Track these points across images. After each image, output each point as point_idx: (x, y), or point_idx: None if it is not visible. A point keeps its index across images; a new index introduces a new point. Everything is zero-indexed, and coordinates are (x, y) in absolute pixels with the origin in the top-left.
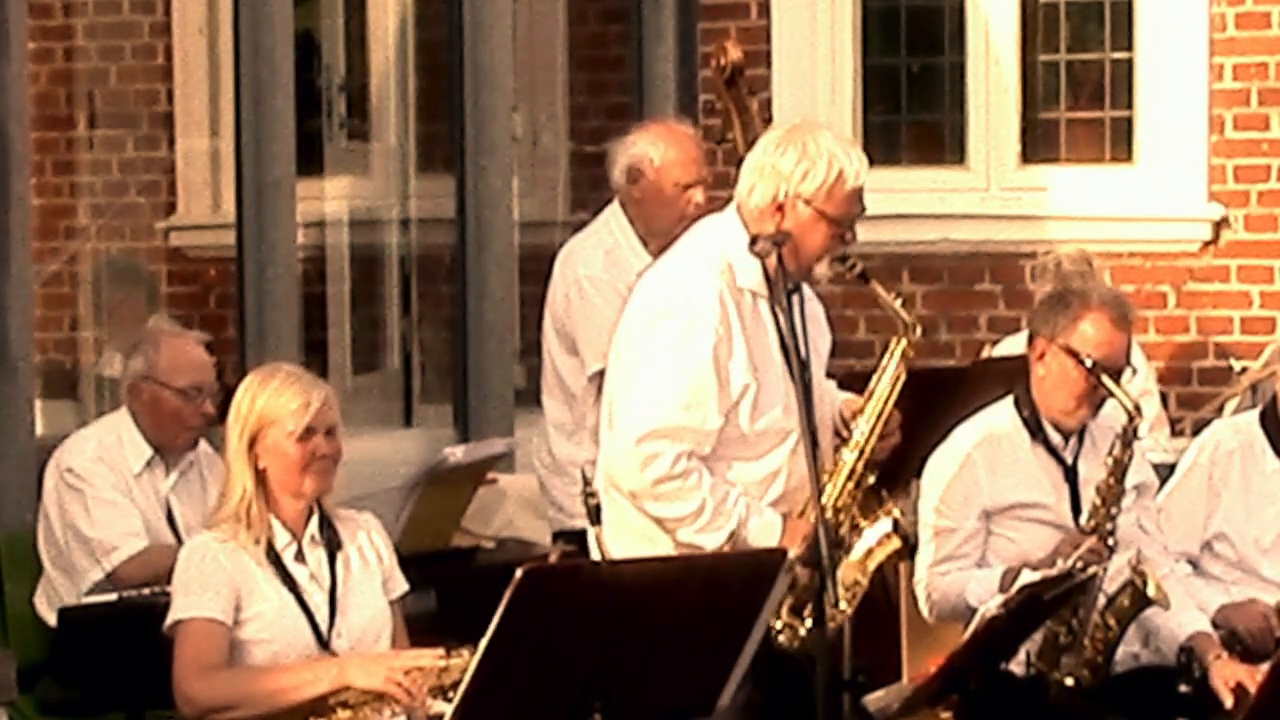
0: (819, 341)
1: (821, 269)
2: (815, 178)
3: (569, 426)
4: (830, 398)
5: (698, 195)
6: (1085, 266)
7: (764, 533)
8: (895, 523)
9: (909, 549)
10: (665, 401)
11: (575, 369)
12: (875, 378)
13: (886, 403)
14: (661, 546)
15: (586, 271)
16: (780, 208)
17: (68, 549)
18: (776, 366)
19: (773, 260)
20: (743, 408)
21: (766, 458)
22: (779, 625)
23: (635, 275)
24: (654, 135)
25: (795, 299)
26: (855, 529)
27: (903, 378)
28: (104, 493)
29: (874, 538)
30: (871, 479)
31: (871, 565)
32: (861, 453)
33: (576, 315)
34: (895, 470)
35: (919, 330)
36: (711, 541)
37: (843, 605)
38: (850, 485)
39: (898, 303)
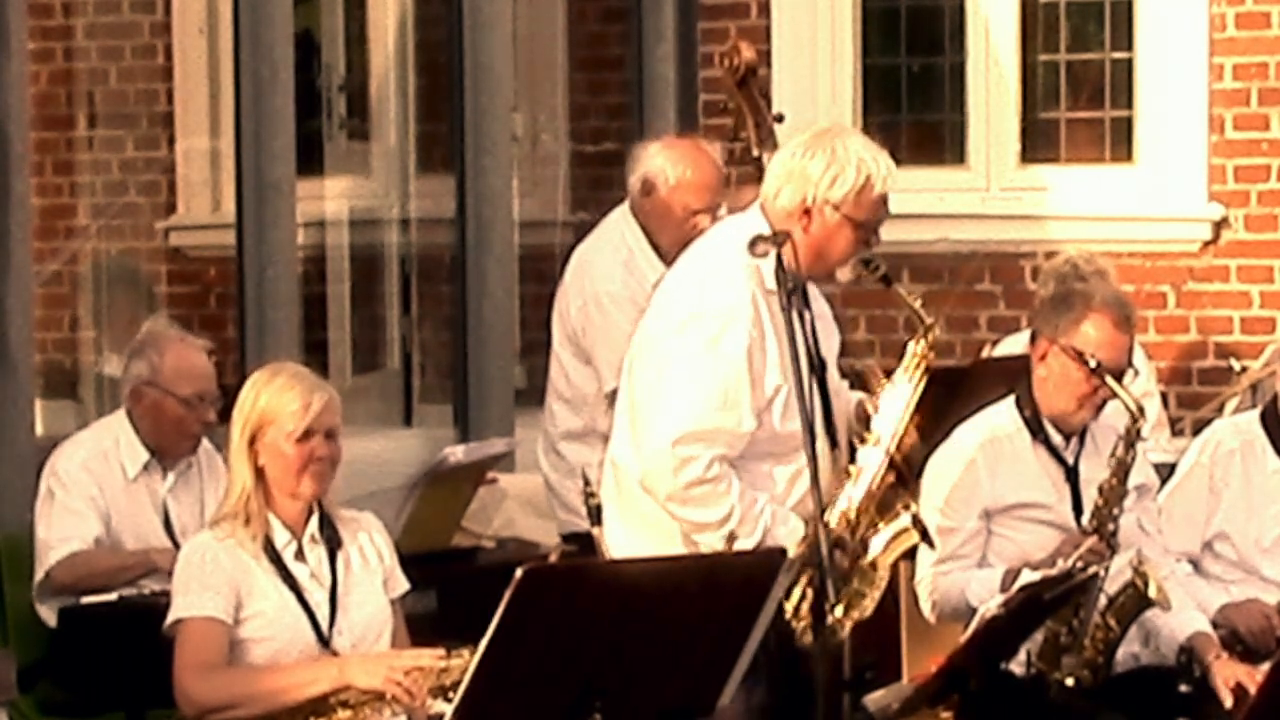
0: (830, 342)
1: (843, 271)
2: (844, 183)
3: (579, 430)
4: (845, 398)
5: (704, 222)
6: (1099, 267)
7: (788, 540)
8: (914, 518)
9: (929, 542)
10: (701, 404)
11: (588, 376)
12: (897, 376)
13: (909, 404)
14: (668, 536)
15: (607, 287)
16: (808, 212)
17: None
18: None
19: (772, 260)
20: (774, 408)
21: (792, 457)
22: (799, 625)
23: (651, 285)
24: (676, 153)
25: (807, 307)
26: (874, 527)
27: (924, 379)
28: (73, 501)
29: (891, 532)
30: (891, 478)
31: (889, 559)
32: (885, 453)
33: (596, 331)
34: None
35: (936, 331)
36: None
37: (866, 605)
38: (871, 485)
39: (918, 304)
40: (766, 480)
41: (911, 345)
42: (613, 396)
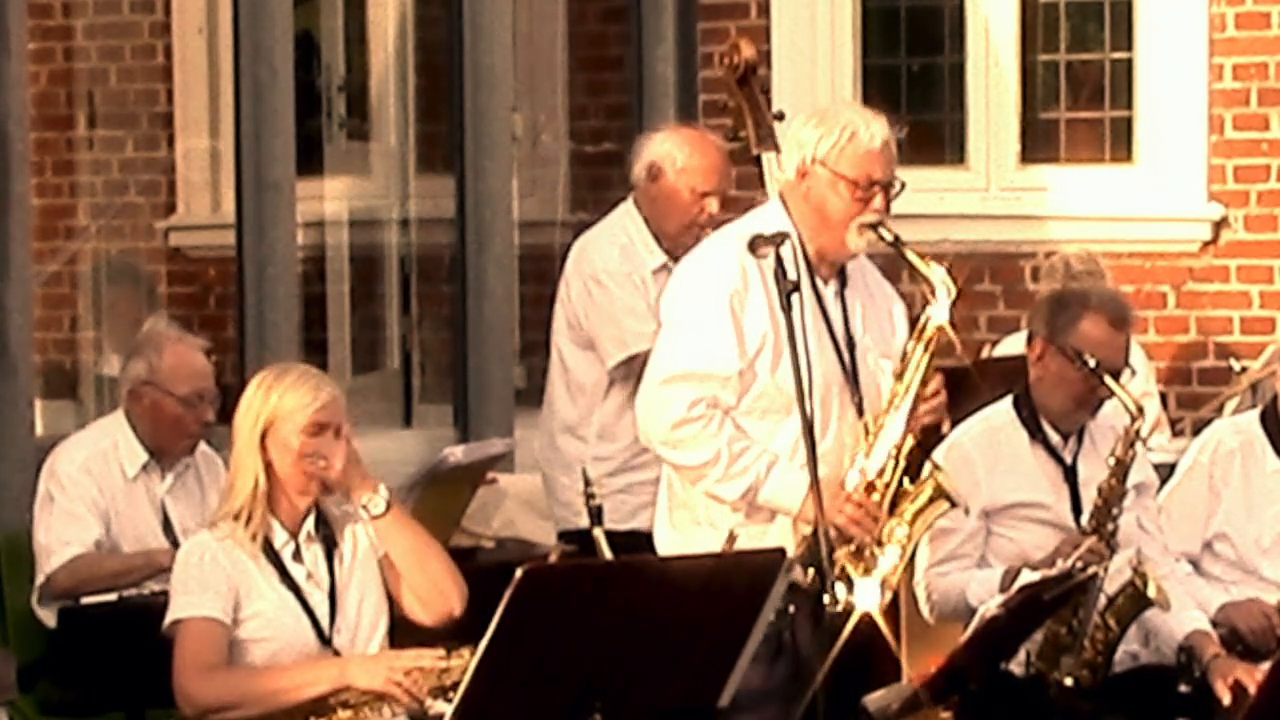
0: (884, 331)
1: (854, 239)
2: (829, 139)
3: (574, 423)
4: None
5: (712, 204)
6: (1093, 267)
7: (786, 491)
8: (937, 486)
9: (954, 503)
10: (684, 347)
11: (587, 363)
12: (911, 343)
13: (925, 368)
14: (716, 538)
15: (604, 265)
16: (804, 175)
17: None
18: (813, 338)
19: (771, 260)
20: (763, 356)
21: (796, 411)
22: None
23: (649, 270)
24: (681, 138)
25: (844, 288)
26: (902, 489)
27: (938, 340)
28: (73, 504)
29: (922, 500)
30: (911, 442)
31: (920, 526)
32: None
33: (595, 309)
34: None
35: (956, 290)
36: (729, 493)
37: (894, 562)
38: (891, 449)
39: (932, 266)
40: (772, 435)
41: (928, 309)
42: (616, 370)
